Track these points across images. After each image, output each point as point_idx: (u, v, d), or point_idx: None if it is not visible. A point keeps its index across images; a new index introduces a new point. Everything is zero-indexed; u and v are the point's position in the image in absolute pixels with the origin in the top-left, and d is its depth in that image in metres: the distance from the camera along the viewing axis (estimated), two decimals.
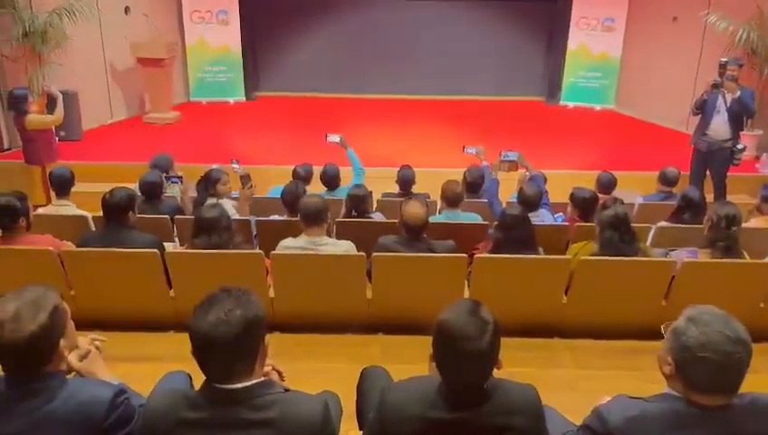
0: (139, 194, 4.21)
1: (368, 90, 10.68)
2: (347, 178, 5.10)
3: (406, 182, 5.01)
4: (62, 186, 4.34)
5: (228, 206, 4.11)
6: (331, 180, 4.95)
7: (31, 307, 1.52)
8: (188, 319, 1.52)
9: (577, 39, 10.28)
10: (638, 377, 2.93)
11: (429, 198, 4.82)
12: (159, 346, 3.26)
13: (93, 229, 3.98)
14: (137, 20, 8.88)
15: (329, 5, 10.60)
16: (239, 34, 10.19)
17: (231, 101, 10.35)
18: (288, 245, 3.49)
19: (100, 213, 3.55)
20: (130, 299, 3.46)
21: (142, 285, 3.44)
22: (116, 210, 3.40)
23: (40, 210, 4.25)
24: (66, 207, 4.29)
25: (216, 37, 10.14)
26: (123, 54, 8.75)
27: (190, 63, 10.16)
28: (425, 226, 3.38)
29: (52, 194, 4.52)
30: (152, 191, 4.38)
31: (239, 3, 10.02)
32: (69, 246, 3.49)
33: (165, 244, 3.66)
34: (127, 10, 8.89)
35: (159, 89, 8.92)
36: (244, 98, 10.48)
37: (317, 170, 5.10)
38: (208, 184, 4.39)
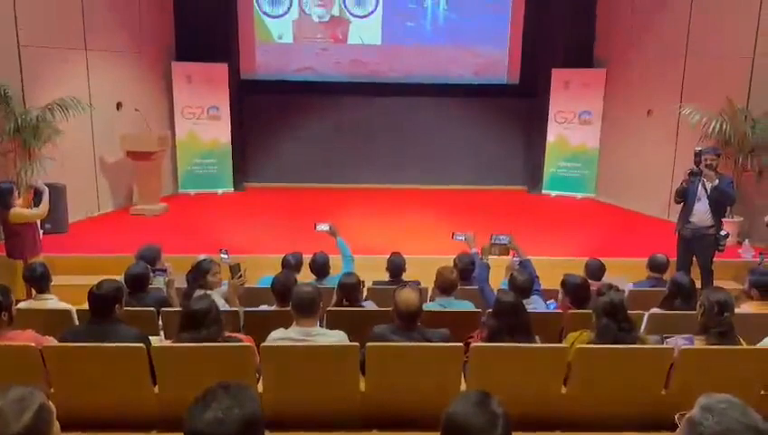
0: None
1: (355, 180, 10.93)
2: (337, 267, 5.07)
3: (396, 269, 4.99)
4: (37, 282, 4.25)
5: (217, 297, 4.04)
6: (320, 269, 4.91)
7: (15, 406, 1.44)
8: (182, 417, 1.44)
9: (555, 131, 10.71)
10: None
11: (420, 284, 4.78)
12: None
13: (77, 323, 3.86)
14: (128, 115, 9.09)
15: (317, 101, 10.98)
16: (229, 128, 10.45)
17: (219, 191, 10.45)
18: (279, 336, 3.40)
19: (85, 306, 3.46)
20: (113, 396, 3.29)
21: (126, 381, 3.30)
22: (103, 303, 3.32)
23: (21, 304, 4.14)
24: (48, 301, 4.19)
25: (206, 131, 10.40)
26: (113, 148, 8.88)
27: (180, 156, 10.33)
28: (419, 313, 3.33)
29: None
30: (137, 284, 4.30)
31: (230, 98, 10.35)
32: (51, 341, 3.36)
33: (150, 337, 3.55)
34: (119, 106, 9.11)
35: (148, 181, 8.99)
36: (233, 189, 10.60)
37: (306, 259, 5.07)
38: (198, 275, 4.32)
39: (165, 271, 4.71)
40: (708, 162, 5.72)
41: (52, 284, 4.40)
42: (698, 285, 5.16)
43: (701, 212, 5.82)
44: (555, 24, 10.44)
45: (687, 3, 8.59)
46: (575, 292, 4.10)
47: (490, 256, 4.73)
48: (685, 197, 5.90)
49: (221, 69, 10.23)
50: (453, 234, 5.11)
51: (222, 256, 4.87)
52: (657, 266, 5.15)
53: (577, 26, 10.51)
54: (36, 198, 5.99)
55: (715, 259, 5.95)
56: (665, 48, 9.01)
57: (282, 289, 3.95)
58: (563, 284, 4.22)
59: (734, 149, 7.63)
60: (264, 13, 10.73)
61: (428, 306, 4.03)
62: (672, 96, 8.70)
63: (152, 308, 4.10)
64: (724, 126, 7.61)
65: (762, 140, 7.46)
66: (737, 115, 7.65)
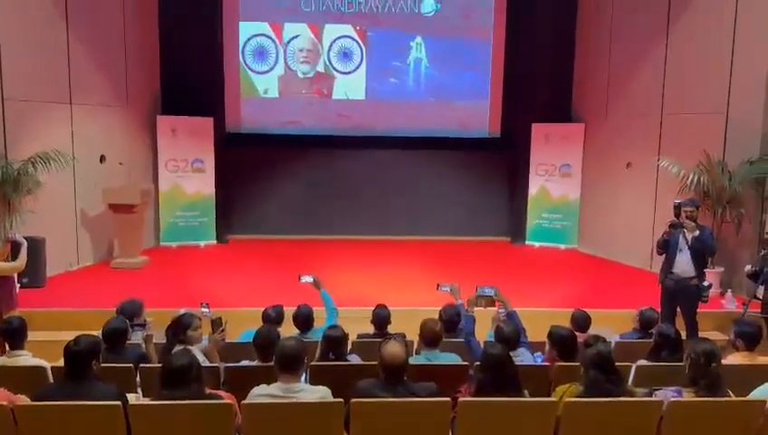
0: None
1: (339, 232, 10.95)
2: (321, 320, 5.00)
3: (381, 322, 4.93)
4: (11, 337, 4.12)
5: (196, 352, 3.94)
6: (304, 321, 4.84)
7: None
8: None
9: (537, 183, 10.89)
10: None
11: (406, 337, 4.72)
12: None
13: (51, 381, 3.73)
14: (111, 167, 9.06)
15: (301, 154, 11.08)
16: (213, 180, 10.47)
17: (201, 244, 10.37)
18: (260, 393, 3.31)
19: (61, 362, 3.35)
20: None
21: None
22: (80, 359, 3.21)
23: None
24: (22, 357, 4.05)
25: (190, 183, 10.40)
26: (95, 201, 8.81)
27: (162, 209, 10.27)
28: (405, 367, 3.27)
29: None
30: (115, 339, 4.19)
31: (215, 151, 10.41)
32: (24, 400, 3.24)
33: (128, 395, 3.43)
34: (102, 159, 9.09)
35: (129, 234, 8.89)
36: (215, 241, 10.54)
37: (289, 312, 5.00)
38: (178, 330, 4.21)
39: (144, 326, 4.61)
40: (688, 214, 5.82)
41: (28, 340, 4.26)
42: (683, 335, 5.17)
43: (683, 263, 5.87)
44: (534, 80, 10.73)
45: (662, 60, 8.90)
46: (562, 344, 4.05)
47: (476, 308, 4.69)
48: (666, 248, 5.96)
49: (206, 122, 10.31)
50: (438, 285, 5.08)
51: (203, 309, 4.77)
52: (645, 323, 5.13)
53: (555, 82, 10.84)
54: (14, 250, 5.88)
55: (698, 310, 5.96)
56: (641, 103, 9.27)
57: (264, 343, 3.86)
58: (550, 335, 4.17)
59: (712, 201, 7.77)
60: (250, 68, 10.93)
61: (414, 359, 3.96)
62: (650, 149, 8.90)
63: (130, 364, 3.98)
64: (702, 178, 7.77)
65: (739, 191, 7.60)
66: (714, 167, 7.81)
